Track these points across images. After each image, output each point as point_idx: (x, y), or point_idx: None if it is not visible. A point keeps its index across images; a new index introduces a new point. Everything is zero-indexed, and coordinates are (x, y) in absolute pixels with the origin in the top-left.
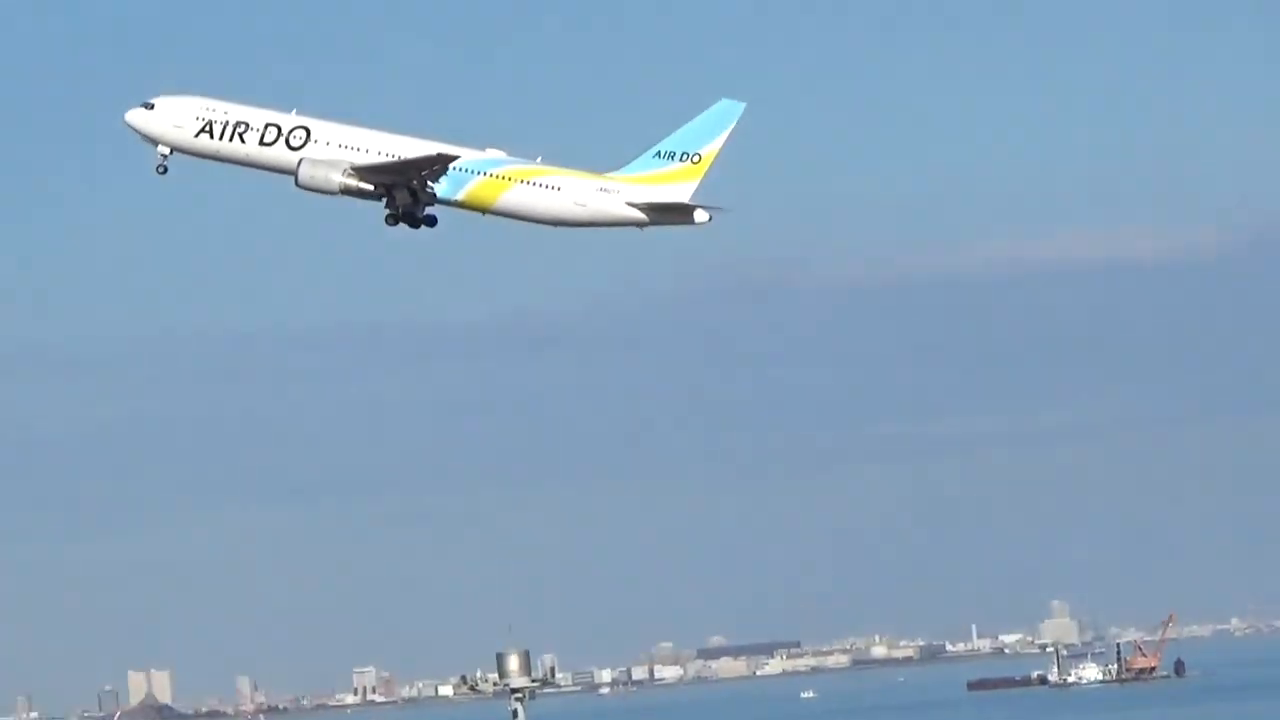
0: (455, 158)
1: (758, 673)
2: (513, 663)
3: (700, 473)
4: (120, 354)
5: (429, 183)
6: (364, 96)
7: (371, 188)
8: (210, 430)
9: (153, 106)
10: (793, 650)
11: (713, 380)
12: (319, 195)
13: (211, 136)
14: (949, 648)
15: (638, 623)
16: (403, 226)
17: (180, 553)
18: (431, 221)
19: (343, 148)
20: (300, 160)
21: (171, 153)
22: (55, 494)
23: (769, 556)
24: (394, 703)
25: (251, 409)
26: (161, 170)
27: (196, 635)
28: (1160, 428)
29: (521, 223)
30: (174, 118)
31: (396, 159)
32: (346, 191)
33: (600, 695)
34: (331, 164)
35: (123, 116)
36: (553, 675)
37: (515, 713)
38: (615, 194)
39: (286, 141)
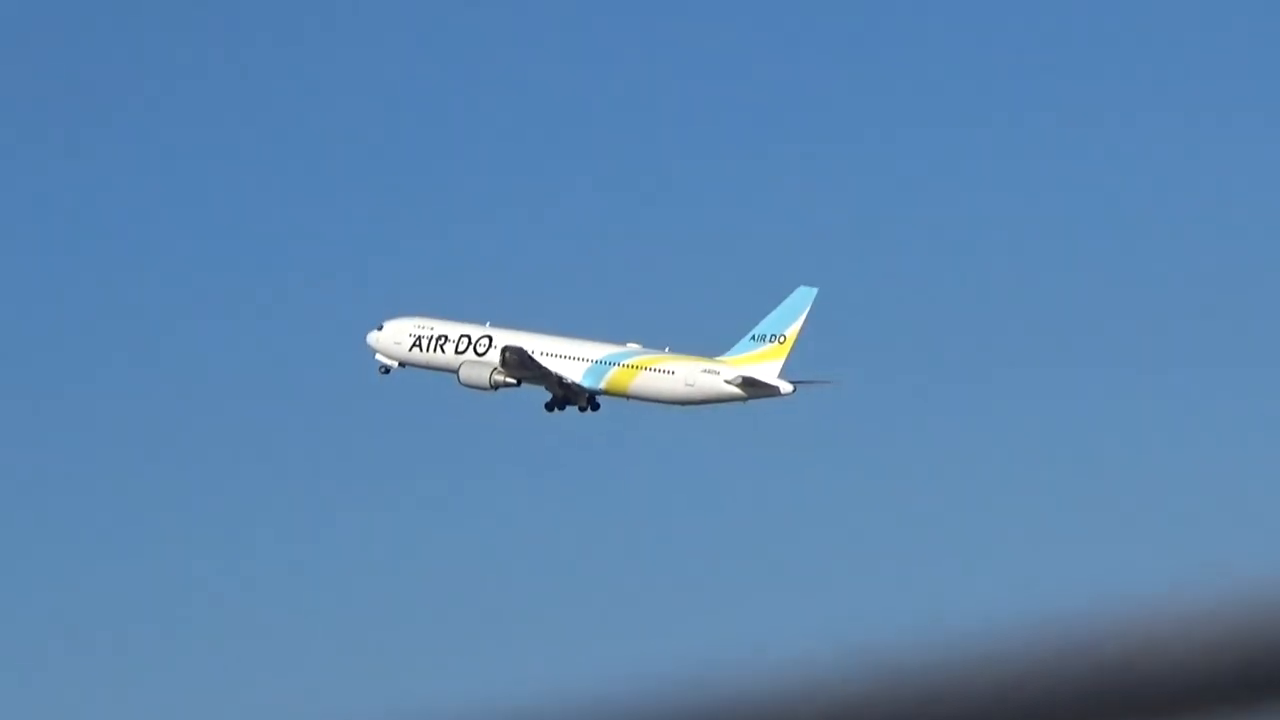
0: (519, 349)
1: None
2: None
3: None
4: None
5: (562, 374)
6: (559, 308)
7: (516, 382)
8: None
9: (382, 328)
10: None
11: None
12: (480, 391)
13: (420, 349)
14: None
15: None
16: (570, 411)
17: None
18: (596, 406)
19: None
20: (461, 363)
21: (401, 365)
22: None
23: None
24: None
25: None
26: (383, 370)
27: None
28: None
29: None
30: (395, 336)
31: (515, 354)
32: (497, 386)
33: None
34: (485, 364)
35: (363, 337)
36: None
37: None
38: (716, 374)
39: (474, 349)
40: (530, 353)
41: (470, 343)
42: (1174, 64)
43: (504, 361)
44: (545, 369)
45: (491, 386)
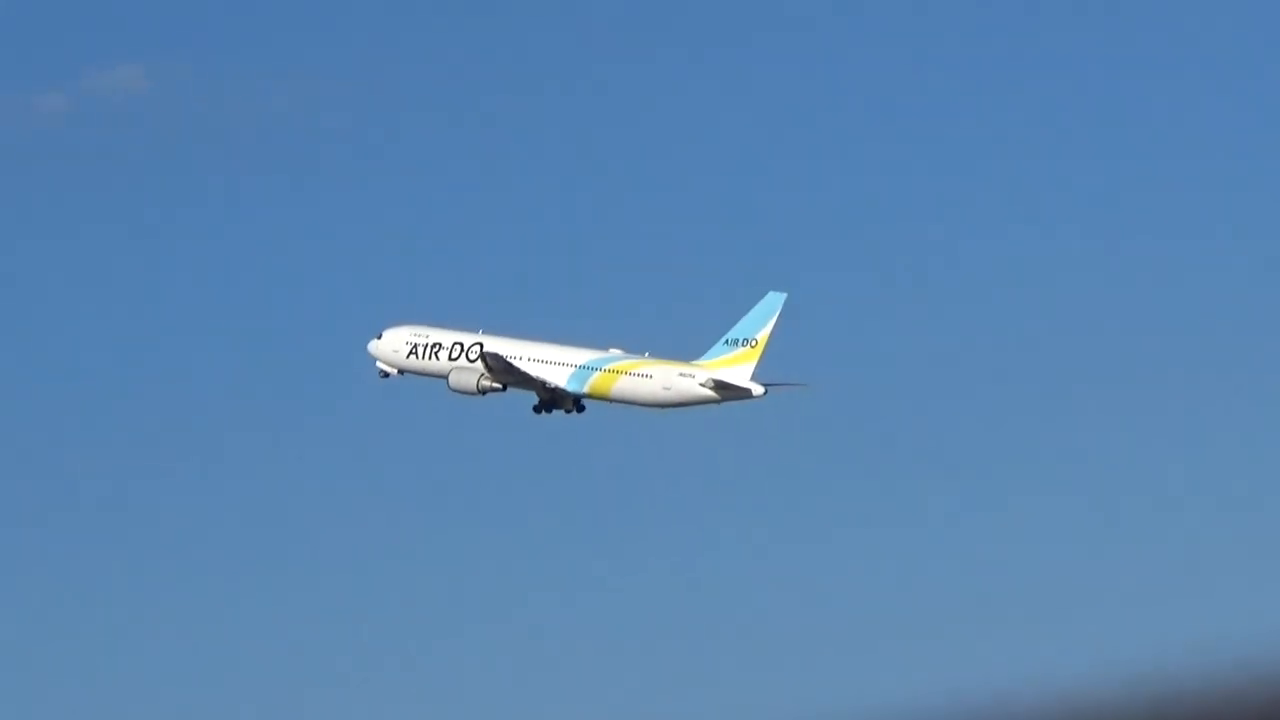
0: (498, 355)
1: None
2: None
3: None
4: None
5: (546, 378)
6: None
7: (502, 387)
8: None
9: (381, 336)
10: None
11: None
12: (469, 396)
13: (416, 356)
14: None
15: None
16: (557, 414)
17: None
18: (582, 408)
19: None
20: (450, 369)
21: (400, 372)
22: None
23: None
24: None
25: None
26: (383, 375)
27: None
28: None
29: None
30: (393, 344)
31: (496, 360)
32: (485, 391)
33: None
34: (473, 370)
35: (365, 346)
36: None
37: None
38: (692, 378)
39: (466, 355)
40: (510, 358)
41: (463, 350)
42: (1156, 65)
43: (487, 367)
44: (527, 374)
45: (479, 391)
